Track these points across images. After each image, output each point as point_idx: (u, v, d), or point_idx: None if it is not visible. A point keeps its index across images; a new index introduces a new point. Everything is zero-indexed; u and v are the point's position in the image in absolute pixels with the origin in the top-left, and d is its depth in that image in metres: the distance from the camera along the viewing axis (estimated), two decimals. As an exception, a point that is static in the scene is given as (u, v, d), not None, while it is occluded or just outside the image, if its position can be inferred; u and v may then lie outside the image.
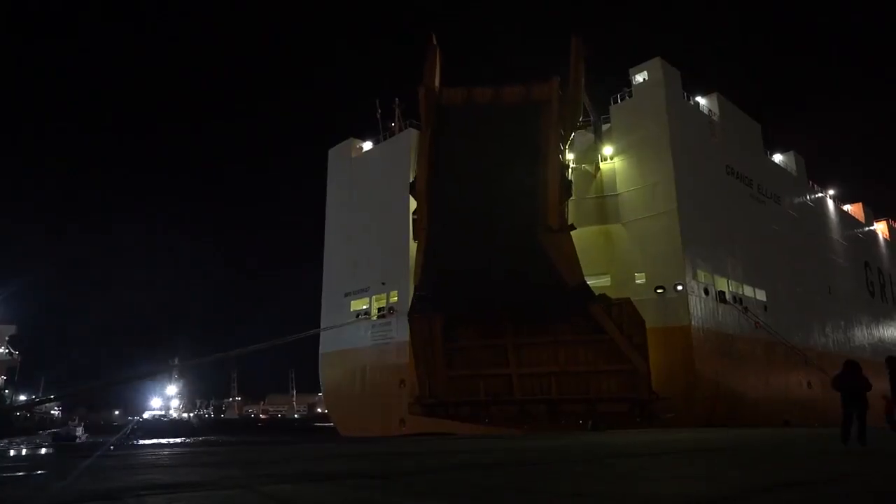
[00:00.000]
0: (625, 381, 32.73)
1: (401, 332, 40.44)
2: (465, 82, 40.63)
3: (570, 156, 42.83)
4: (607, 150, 43.66)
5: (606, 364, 32.86)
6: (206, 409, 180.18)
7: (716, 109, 47.45)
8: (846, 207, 67.71)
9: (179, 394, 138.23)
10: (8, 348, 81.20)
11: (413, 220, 36.87)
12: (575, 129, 40.62)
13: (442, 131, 37.90)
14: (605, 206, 42.45)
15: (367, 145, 54.49)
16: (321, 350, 52.06)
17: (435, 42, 39.88)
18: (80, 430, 62.70)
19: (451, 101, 39.29)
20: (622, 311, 33.01)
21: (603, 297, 33.69)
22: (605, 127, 44.59)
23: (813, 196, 60.12)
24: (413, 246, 38.14)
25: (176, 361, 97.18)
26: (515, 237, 34.31)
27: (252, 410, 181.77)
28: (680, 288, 38.23)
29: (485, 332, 34.51)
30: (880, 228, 74.65)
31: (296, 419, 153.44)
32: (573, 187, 42.11)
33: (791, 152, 58.84)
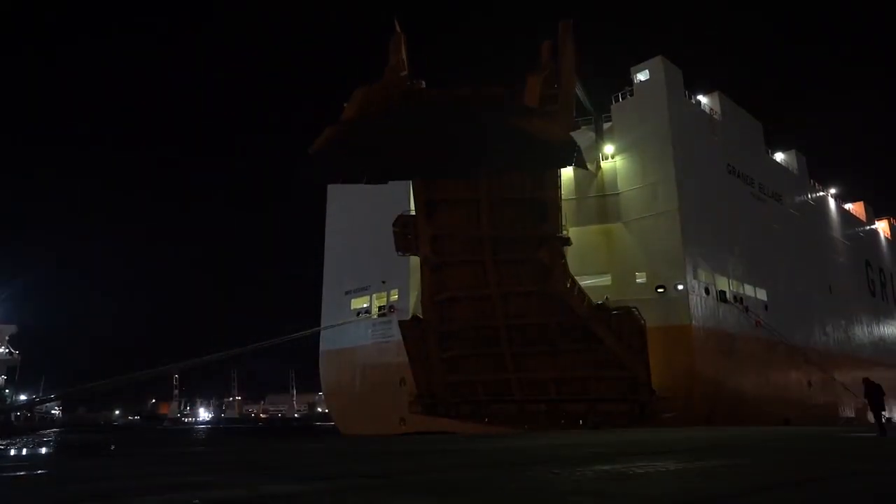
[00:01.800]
0: (625, 386, 32.65)
1: (401, 330, 40.38)
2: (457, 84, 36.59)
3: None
4: (608, 148, 43.52)
5: (605, 371, 32.76)
6: (207, 408, 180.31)
7: (717, 108, 47.35)
8: (847, 206, 67.61)
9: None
10: (8, 348, 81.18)
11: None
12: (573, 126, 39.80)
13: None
14: (605, 205, 42.30)
15: (369, 144, 54.29)
16: (322, 348, 52.02)
17: (399, 29, 34.45)
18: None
19: (428, 97, 34.71)
20: (622, 320, 32.73)
21: (603, 306, 33.23)
22: (605, 125, 44.44)
23: (814, 195, 60.01)
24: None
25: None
26: (480, 116, 28.89)
27: (252, 410, 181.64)
28: (681, 287, 38.12)
29: (481, 342, 34.11)
30: (881, 227, 74.57)
31: (296, 418, 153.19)
32: (573, 186, 41.80)
33: (792, 151, 58.76)
